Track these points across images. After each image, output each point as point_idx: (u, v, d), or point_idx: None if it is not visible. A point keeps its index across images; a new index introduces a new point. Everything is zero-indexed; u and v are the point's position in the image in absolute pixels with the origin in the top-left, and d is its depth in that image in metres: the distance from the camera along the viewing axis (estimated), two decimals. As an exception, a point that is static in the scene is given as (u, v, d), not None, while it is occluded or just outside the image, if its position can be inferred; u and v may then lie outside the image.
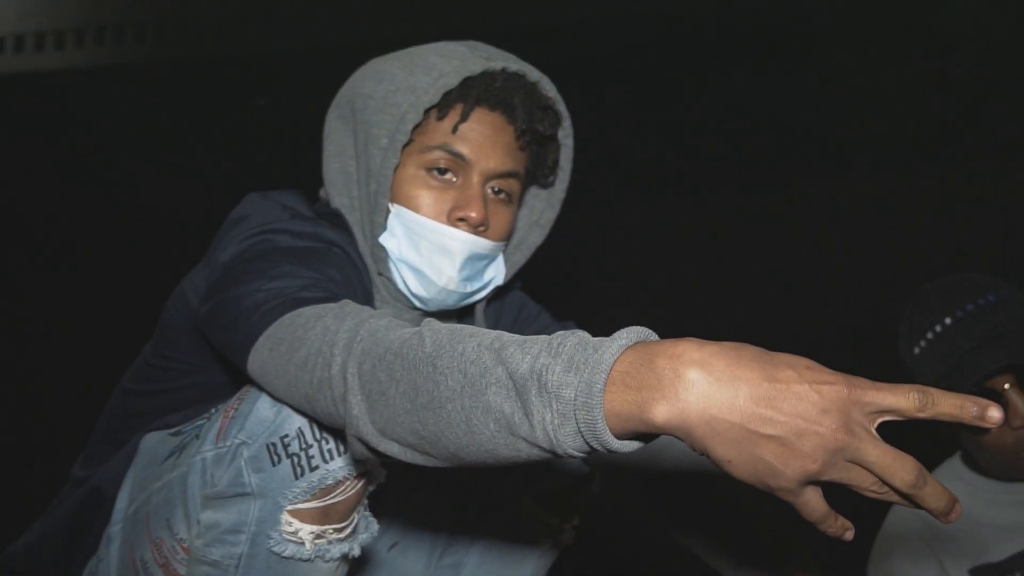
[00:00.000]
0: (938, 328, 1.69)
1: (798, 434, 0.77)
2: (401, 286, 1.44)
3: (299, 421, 1.15)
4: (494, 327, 1.28)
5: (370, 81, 1.43)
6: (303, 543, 1.16)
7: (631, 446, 0.83)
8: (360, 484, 1.18)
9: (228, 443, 1.20)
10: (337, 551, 1.19)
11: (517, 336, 0.89)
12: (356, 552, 1.22)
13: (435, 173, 1.41)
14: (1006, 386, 1.60)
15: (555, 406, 0.81)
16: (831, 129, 4.26)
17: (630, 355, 0.81)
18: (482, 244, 1.42)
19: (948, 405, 0.79)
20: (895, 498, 0.81)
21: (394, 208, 1.41)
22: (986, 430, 1.57)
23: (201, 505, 1.22)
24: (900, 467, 0.78)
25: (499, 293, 1.58)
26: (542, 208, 1.57)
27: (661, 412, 0.78)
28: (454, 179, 1.42)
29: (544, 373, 0.82)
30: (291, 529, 1.16)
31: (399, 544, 1.57)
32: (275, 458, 1.15)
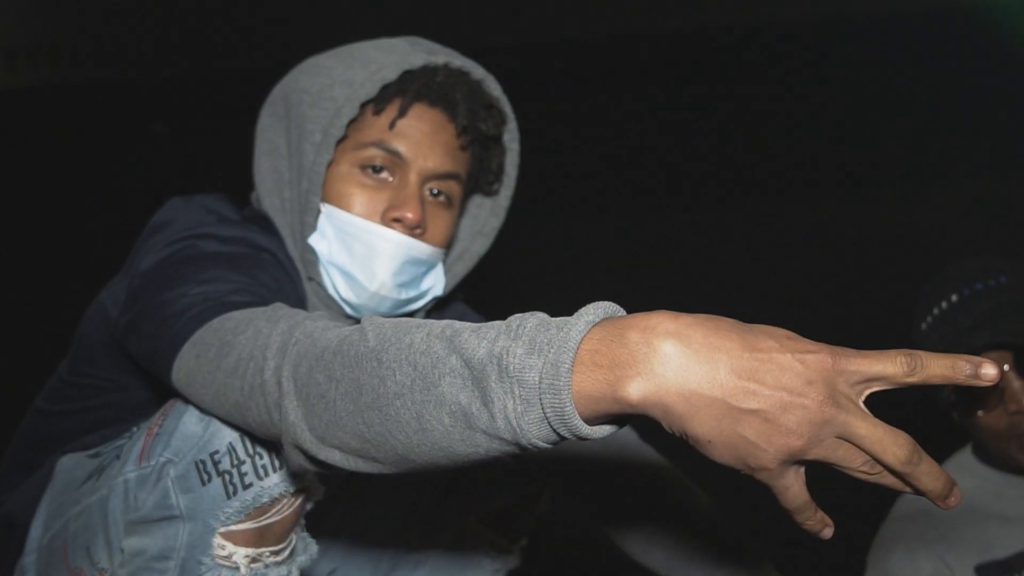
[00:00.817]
0: (944, 304, 1.70)
1: (783, 408, 0.72)
2: (331, 291, 1.38)
3: (230, 435, 1.09)
4: None
5: (305, 76, 1.39)
6: (238, 568, 1.10)
7: (602, 431, 0.78)
8: (298, 502, 1.12)
9: (152, 462, 1.13)
10: (275, 575, 1.13)
11: (470, 324, 0.83)
12: None
13: (370, 171, 1.36)
14: (1005, 367, 1.59)
15: (517, 392, 0.75)
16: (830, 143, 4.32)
17: (598, 332, 0.75)
18: (419, 247, 1.36)
19: (939, 366, 0.75)
20: (888, 480, 0.76)
21: (325, 208, 1.36)
22: (978, 409, 1.57)
23: (124, 531, 1.15)
24: (892, 442, 0.73)
25: (438, 305, 1.53)
26: (486, 217, 1.52)
27: (636, 389, 0.72)
28: (390, 178, 1.37)
29: (504, 356, 0.76)
30: (224, 553, 1.10)
31: (338, 571, 1.53)
32: (204, 476, 1.09)
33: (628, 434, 1.55)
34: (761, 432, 0.72)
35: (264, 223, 1.40)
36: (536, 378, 0.75)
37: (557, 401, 0.74)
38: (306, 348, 0.92)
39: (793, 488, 0.77)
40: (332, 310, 1.40)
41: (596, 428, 0.77)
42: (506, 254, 1.61)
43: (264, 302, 1.11)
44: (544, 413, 0.75)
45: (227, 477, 1.09)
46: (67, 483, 1.27)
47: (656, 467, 1.55)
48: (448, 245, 1.45)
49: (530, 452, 0.79)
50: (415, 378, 0.81)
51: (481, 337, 0.79)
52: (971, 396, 1.60)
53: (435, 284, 1.44)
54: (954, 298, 1.67)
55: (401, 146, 1.35)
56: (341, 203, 1.35)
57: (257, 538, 1.10)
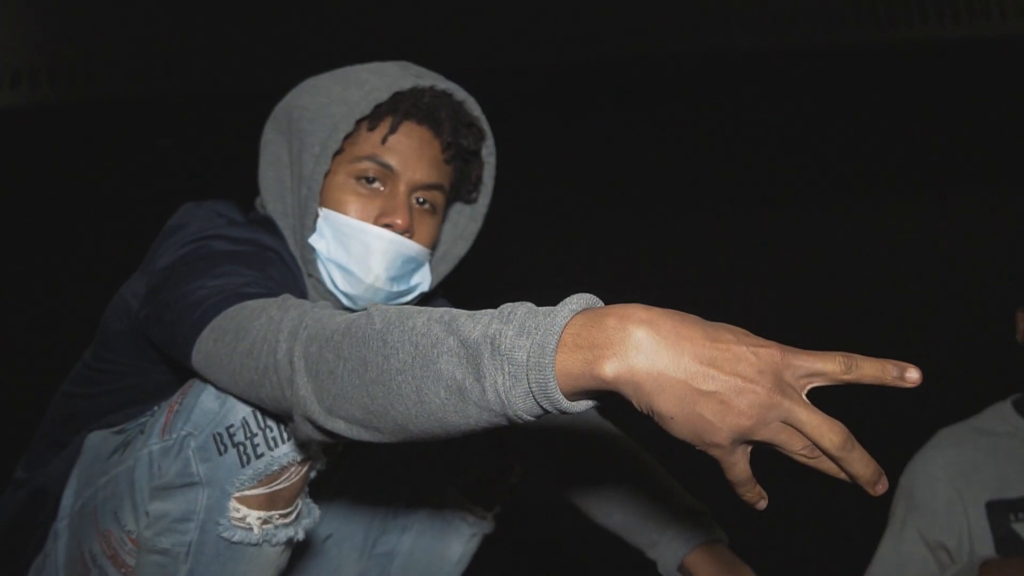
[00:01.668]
0: None
1: (737, 392, 0.80)
2: (329, 285, 1.47)
3: (244, 411, 1.17)
4: None
5: (306, 95, 1.49)
6: (251, 528, 1.18)
7: (581, 406, 0.86)
8: (304, 470, 1.20)
9: (174, 436, 1.21)
10: (283, 535, 1.21)
11: (464, 311, 0.92)
12: (301, 536, 1.24)
13: (363, 182, 1.46)
14: None
15: (507, 368, 0.83)
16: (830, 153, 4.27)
17: (580, 318, 0.83)
18: (409, 245, 1.47)
19: (871, 368, 0.83)
20: (825, 464, 0.84)
21: (323, 212, 1.45)
22: None
23: (149, 496, 1.23)
24: (829, 429, 0.81)
25: (423, 301, 1.63)
26: (465, 222, 1.63)
27: (611, 368, 0.80)
28: (381, 188, 1.47)
29: (497, 337, 0.84)
30: (239, 515, 1.18)
31: (334, 535, 1.61)
32: (221, 447, 1.17)
33: (591, 411, 1.66)
34: (716, 412, 0.80)
35: (269, 225, 1.49)
36: (524, 357, 0.82)
37: (542, 377, 0.82)
38: (316, 331, 1.00)
39: (739, 464, 0.85)
40: (329, 303, 1.50)
41: (575, 403, 0.85)
42: (483, 256, 1.71)
43: (274, 294, 1.19)
44: (530, 388, 0.83)
45: (241, 448, 1.16)
46: (95, 456, 1.35)
47: (614, 439, 1.63)
48: (433, 247, 1.55)
49: (515, 423, 0.86)
50: (416, 356, 0.88)
51: (476, 321, 0.87)
52: None
53: (423, 281, 1.54)
54: None
55: (392, 160, 1.46)
56: (338, 208, 1.45)
57: (268, 502, 1.18)
